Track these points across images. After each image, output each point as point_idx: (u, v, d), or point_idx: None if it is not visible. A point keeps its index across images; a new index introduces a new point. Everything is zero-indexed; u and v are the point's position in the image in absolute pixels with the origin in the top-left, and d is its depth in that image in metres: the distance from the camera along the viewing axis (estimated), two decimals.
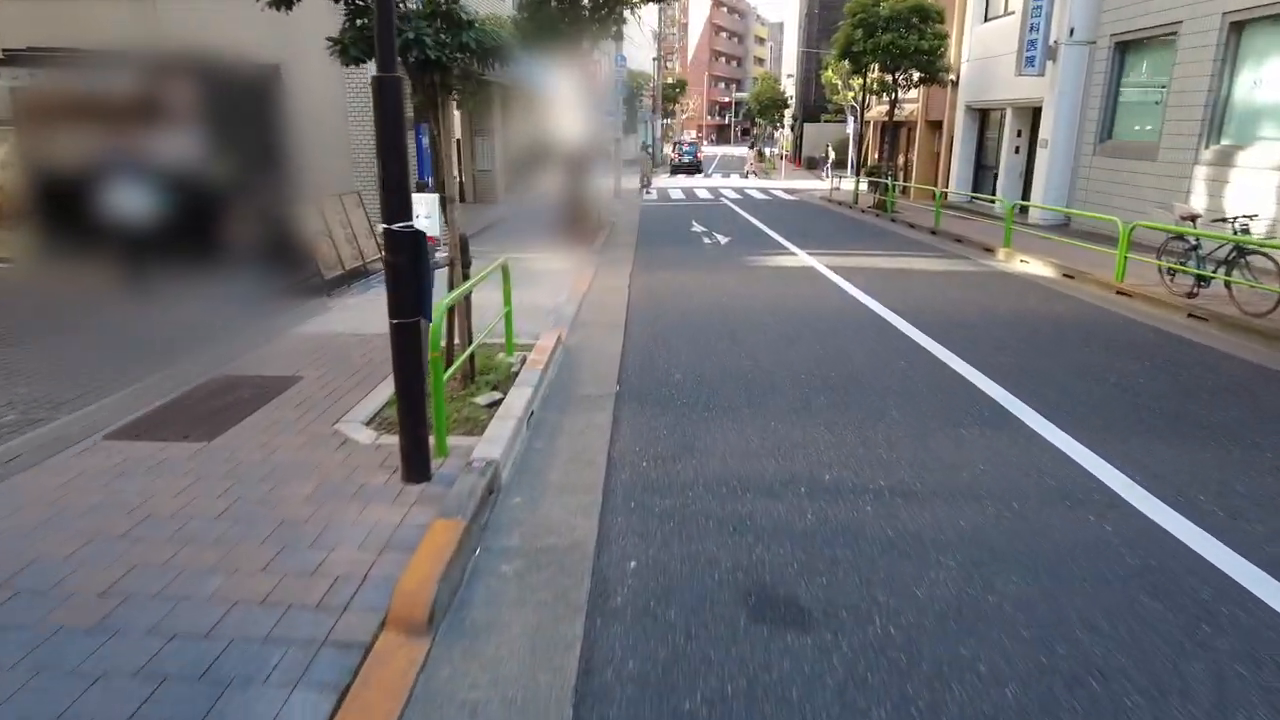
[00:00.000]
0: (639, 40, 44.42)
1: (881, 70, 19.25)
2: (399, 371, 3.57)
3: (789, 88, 54.90)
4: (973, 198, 18.73)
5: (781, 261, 11.11)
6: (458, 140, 19.44)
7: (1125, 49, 13.47)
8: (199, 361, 5.68)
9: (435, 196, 11.66)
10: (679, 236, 14.17)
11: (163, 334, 6.54)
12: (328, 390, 5.15)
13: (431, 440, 3.84)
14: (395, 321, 3.50)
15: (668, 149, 52.33)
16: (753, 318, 7.37)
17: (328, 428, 4.46)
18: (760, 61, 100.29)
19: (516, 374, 5.30)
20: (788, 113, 45.33)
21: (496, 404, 4.81)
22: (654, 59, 45.95)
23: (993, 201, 17.80)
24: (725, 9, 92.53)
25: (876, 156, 26.99)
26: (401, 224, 3.43)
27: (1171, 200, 10.49)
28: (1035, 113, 16.83)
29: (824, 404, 4.97)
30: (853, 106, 35.98)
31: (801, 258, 11.38)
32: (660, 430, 4.55)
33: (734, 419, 4.71)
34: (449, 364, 4.99)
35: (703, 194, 25.67)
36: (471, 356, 5.25)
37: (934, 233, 14.53)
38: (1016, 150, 17.60)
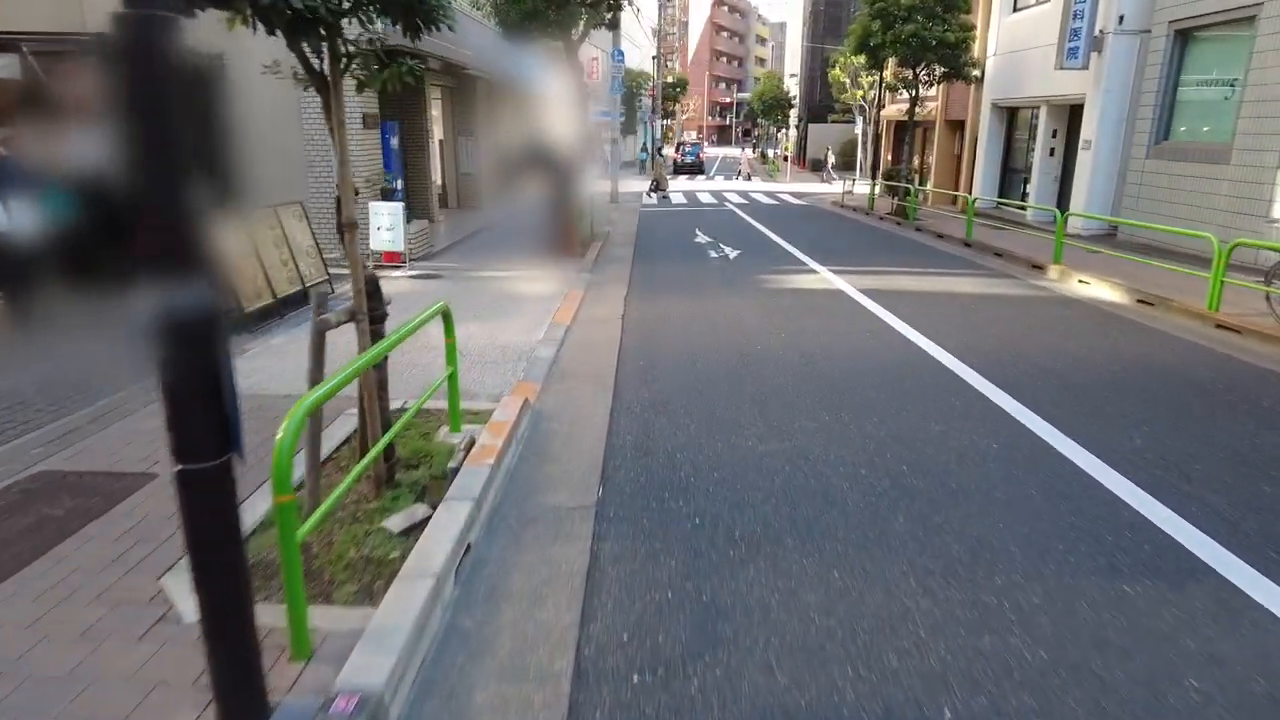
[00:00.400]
0: (638, 39, 42.88)
1: (901, 65, 17.68)
2: (197, 558, 1.98)
3: (792, 88, 53.38)
4: (999, 203, 17.17)
5: (803, 282, 9.54)
6: (440, 141, 17.89)
7: (1186, 38, 11.91)
8: (30, 443, 4.11)
9: (399, 205, 10.11)
10: (682, 248, 12.61)
11: (6, 390, 4.96)
12: None
13: (284, 630, 2.28)
14: (182, 468, 1.92)
15: (669, 150, 50.79)
16: (779, 369, 5.79)
17: (148, 583, 2.89)
18: (761, 62, 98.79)
19: (457, 469, 3.74)
20: (793, 113, 43.74)
21: (418, 527, 3.25)
22: (653, 57, 44.42)
23: (1023, 208, 16.24)
24: (726, 8, 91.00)
25: (890, 159, 25.44)
26: (181, 285, 1.84)
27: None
28: (1073, 111, 15.28)
29: (905, 531, 3.38)
30: (861, 106, 34.51)
31: (825, 276, 9.81)
32: (662, 586, 2.97)
33: (776, 563, 3.13)
34: (363, 452, 3.46)
35: (705, 198, 24.11)
36: (390, 449, 3.68)
37: (968, 245, 12.96)
38: (1051, 152, 16.04)
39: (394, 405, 4.13)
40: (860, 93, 33.91)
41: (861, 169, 34.29)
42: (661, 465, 4.06)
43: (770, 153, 54.44)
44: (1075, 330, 7.10)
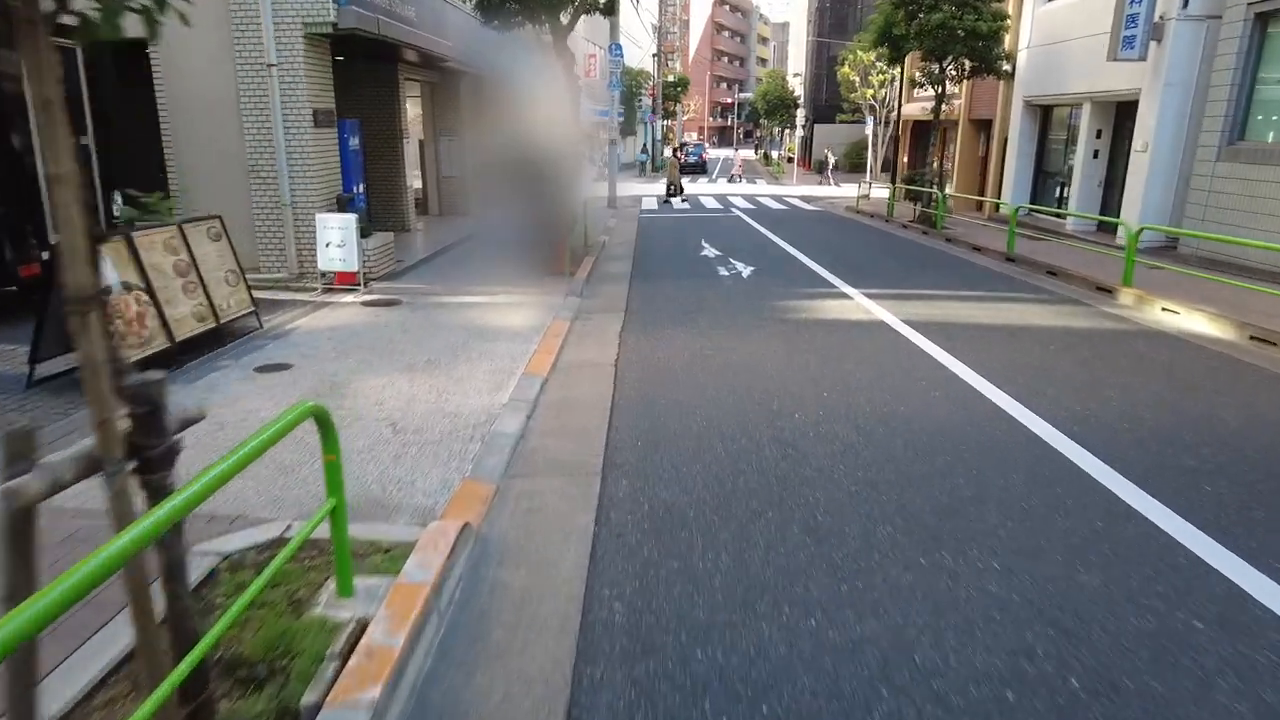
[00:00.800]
0: (638, 35, 41.36)
1: (924, 59, 16.11)
2: None
3: (796, 87, 51.86)
4: (1032, 210, 15.61)
5: (834, 310, 7.97)
6: (420, 142, 16.32)
7: (1267, 22, 10.34)
8: None
9: (352, 217, 8.54)
10: (687, 263, 11.04)
11: None
12: None
13: None
14: None
15: (669, 151, 49.25)
16: (831, 456, 4.20)
17: None
18: (763, 61, 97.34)
19: (318, 708, 2.16)
20: (800, 113, 42.20)
21: None
22: (653, 55, 42.90)
23: (1060, 216, 14.68)
24: (728, 7, 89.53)
25: (907, 161, 23.88)
26: None
27: None
28: (1121, 109, 13.73)
29: None
30: (872, 105, 32.98)
31: (859, 303, 8.24)
32: None
33: None
34: (152, 683, 1.89)
35: (709, 202, 22.54)
36: (201, 677, 2.10)
37: (1010, 260, 11.40)
38: (1095, 155, 14.47)
39: (270, 534, 2.57)
40: (870, 91, 32.40)
41: (872, 172, 32.77)
42: (672, 676, 2.47)
43: (774, 154, 52.91)
44: (1206, 387, 5.51)
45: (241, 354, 6.03)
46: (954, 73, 15.97)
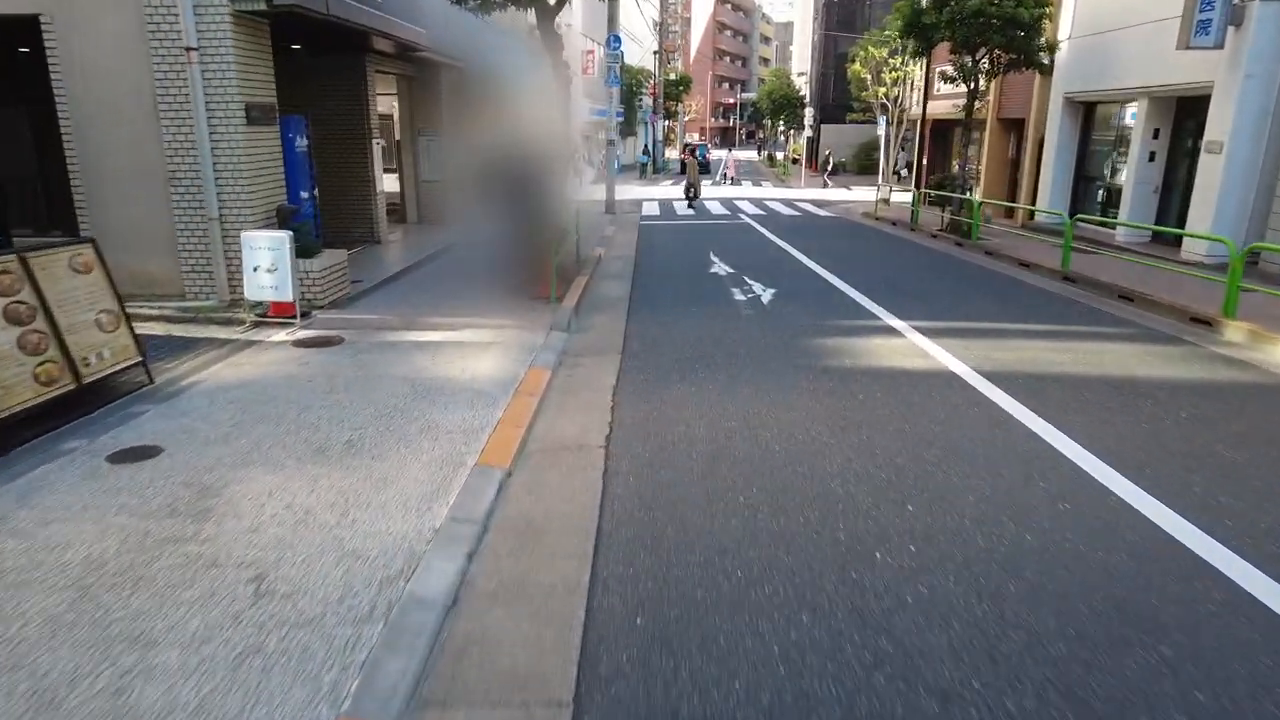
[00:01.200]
0: (638, 32, 39.81)
1: (955, 51, 14.51)
2: None
3: (801, 86, 50.32)
4: (1078, 220, 14.04)
5: (884, 353, 6.40)
6: (397, 142, 14.76)
7: None
8: None
9: (285, 235, 6.97)
10: (696, 284, 9.47)
11: None
12: None
13: None
14: None
15: (670, 153, 47.70)
16: (937, 631, 2.66)
17: None
18: (765, 61, 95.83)
19: None
20: (808, 112, 40.64)
21: None
22: (655, 52, 41.36)
23: (1109, 226, 13.11)
24: (730, 5, 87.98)
25: (926, 164, 22.30)
26: None
27: None
28: (1184, 105, 12.17)
29: None
30: (884, 104, 31.39)
31: (914, 341, 6.67)
32: None
33: None
34: None
35: (715, 207, 20.96)
36: None
37: (1068, 279, 9.84)
38: (1151, 157, 12.90)
39: None
40: (883, 90, 30.80)
41: (883, 175, 31.17)
42: None
43: (779, 155, 51.38)
44: None
45: (104, 428, 4.47)
46: (987, 66, 14.38)
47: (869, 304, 8.19)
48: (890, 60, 30.58)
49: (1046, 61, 14.29)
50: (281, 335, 6.62)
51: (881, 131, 31.47)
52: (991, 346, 6.51)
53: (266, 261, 6.71)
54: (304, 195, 8.53)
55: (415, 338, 6.57)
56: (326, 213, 11.97)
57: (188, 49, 7.06)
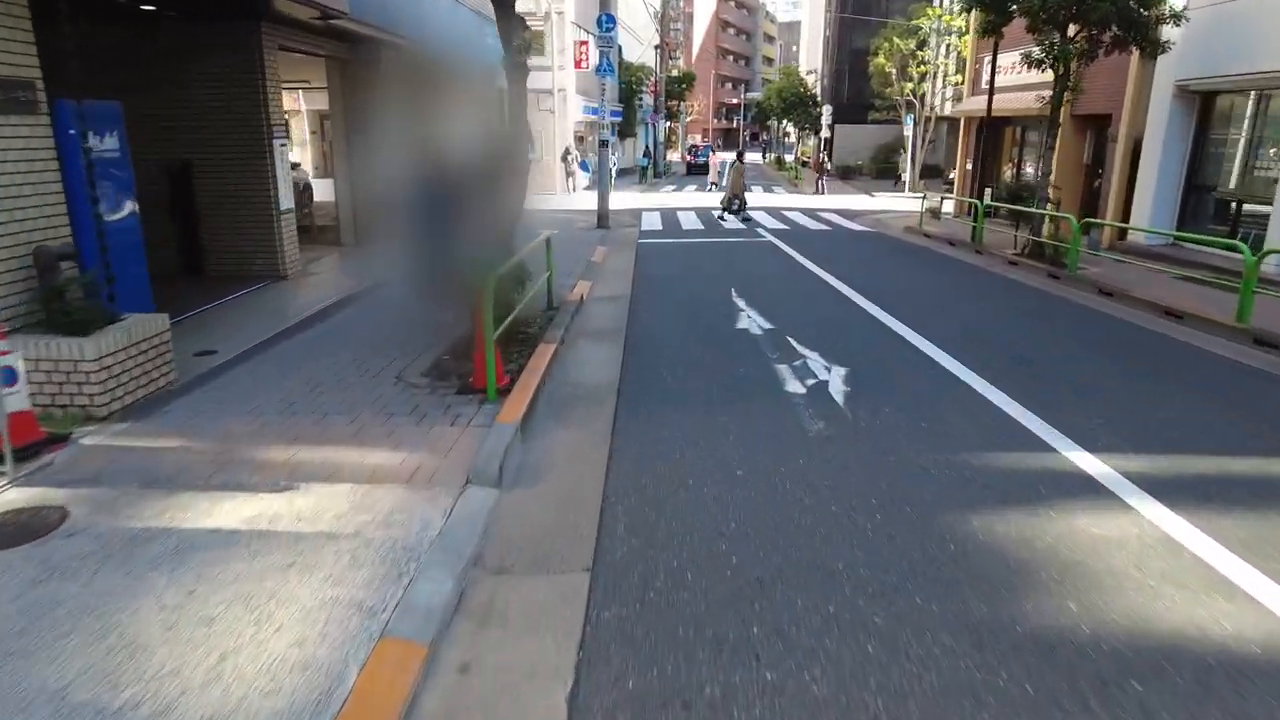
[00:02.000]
0: (638, 28, 36.71)
1: (1042, 27, 11.30)
2: None
3: (813, 85, 47.27)
4: (1177, 239, 10.92)
5: (1129, 582, 3.25)
6: (328, 143, 11.65)
7: None
8: None
9: None
10: (721, 358, 6.28)
11: None
12: None
13: None
14: None
15: (672, 154, 44.71)
16: None
17: None
18: (769, 61, 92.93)
19: None
20: (827, 110, 37.47)
21: None
22: (656, 47, 38.27)
23: (1235, 250, 9.97)
24: (733, 3, 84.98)
25: (972, 170, 19.19)
26: None
27: None
28: None
29: None
30: (910, 101, 28.33)
31: (1164, 535, 3.50)
32: None
33: None
34: None
35: (726, 219, 17.80)
36: None
37: (1260, 342, 6.71)
38: None
39: None
40: (910, 85, 27.72)
41: (909, 182, 28.08)
42: None
43: (788, 158, 48.28)
44: None
45: None
46: (1084, 46, 11.24)
47: (1007, 404, 5.03)
48: (918, 53, 27.51)
49: (1164, 39, 11.13)
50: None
51: (909, 131, 28.39)
52: (1243, 523, 3.36)
53: None
54: (113, 218, 5.37)
55: (215, 509, 3.42)
56: (215, 242, 8.88)
57: None
